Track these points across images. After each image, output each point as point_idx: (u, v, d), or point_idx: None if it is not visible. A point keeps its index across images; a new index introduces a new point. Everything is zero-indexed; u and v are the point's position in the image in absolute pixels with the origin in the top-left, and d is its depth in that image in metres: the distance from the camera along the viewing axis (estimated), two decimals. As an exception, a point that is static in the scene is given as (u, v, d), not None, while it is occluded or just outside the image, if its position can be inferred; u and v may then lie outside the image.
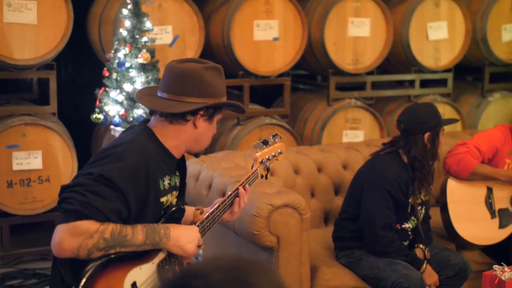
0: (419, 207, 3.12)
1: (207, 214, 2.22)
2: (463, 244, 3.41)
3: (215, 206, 2.25)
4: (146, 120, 2.21)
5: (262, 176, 2.46)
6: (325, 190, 3.75)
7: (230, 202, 2.29)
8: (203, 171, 3.46)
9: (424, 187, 3.09)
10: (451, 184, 3.41)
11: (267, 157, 2.44)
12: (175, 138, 2.14)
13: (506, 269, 2.46)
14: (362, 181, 3.11)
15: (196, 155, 2.28)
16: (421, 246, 3.11)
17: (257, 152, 2.41)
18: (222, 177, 3.29)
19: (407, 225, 3.11)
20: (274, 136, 2.51)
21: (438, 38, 4.98)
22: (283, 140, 4.56)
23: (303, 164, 3.74)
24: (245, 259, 0.98)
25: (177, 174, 2.22)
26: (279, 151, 2.51)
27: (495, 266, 2.46)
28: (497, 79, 5.55)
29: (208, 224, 2.21)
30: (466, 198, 3.40)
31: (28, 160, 3.96)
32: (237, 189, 2.30)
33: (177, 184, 2.21)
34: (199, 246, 2.13)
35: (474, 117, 5.32)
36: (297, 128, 4.97)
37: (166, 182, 2.12)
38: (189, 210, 2.29)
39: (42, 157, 4.00)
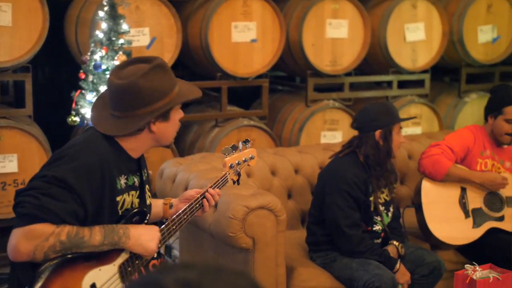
0: (383, 207, 3.14)
1: (173, 217, 2.21)
2: (438, 244, 3.44)
3: (182, 210, 2.25)
4: None
5: (234, 182, 2.46)
6: (302, 191, 3.77)
7: (197, 205, 2.29)
8: (179, 173, 3.46)
9: (384, 185, 3.13)
10: (426, 185, 3.44)
11: (236, 162, 2.45)
12: (133, 143, 2.16)
13: (477, 268, 2.49)
14: (323, 185, 3.16)
15: (167, 146, 2.29)
16: (394, 242, 3.13)
17: (226, 157, 2.41)
18: (198, 179, 3.29)
19: (376, 227, 3.13)
20: (245, 141, 2.51)
21: (416, 40, 5.01)
22: (262, 141, 4.62)
23: (280, 165, 3.75)
24: (211, 269, 0.96)
25: (136, 174, 2.21)
26: (250, 156, 2.52)
27: (467, 266, 2.49)
28: (473, 80, 5.60)
29: (174, 227, 2.20)
30: (441, 198, 3.43)
31: (3, 164, 3.93)
32: (205, 192, 2.31)
33: (136, 183, 2.20)
34: (159, 247, 2.13)
35: (451, 118, 5.36)
36: (275, 130, 4.98)
37: (123, 181, 2.13)
38: (158, 205, 2.30)
39: (18, 160, 3.97)
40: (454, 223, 3.41)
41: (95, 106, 2.22)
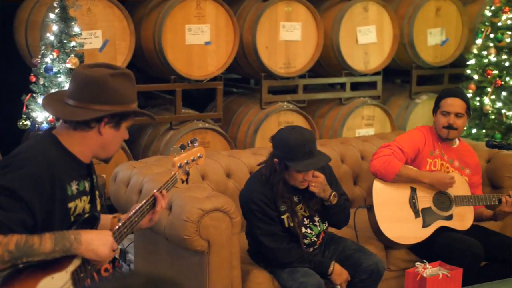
0: (307, 220, 3.12)
1: (124, 220, 2.20)
2: (389, 244, 3.51)
3: (132, 212, 2.24)
4: (52, 128, 2.20)
5: (182, 181, 2.47)
6: (257, 193, 3.78)
7: (148, 207, 2.29)
8: (133, 177, 3.43)
9: (297, 203, 3.09)
10: (377, 186, 3.50)
11: (185, 161, 2.46)
12: (80, 144, 2.14)
13: (427, 266, 2.55)
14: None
15: (105, 161, 2.26)
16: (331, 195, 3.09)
17: (174, 156, 2.42)
18: (152, 182, 3.27)
19: (306, 241, 3.13)
20: (193, 141, 2.52)
21: (367, 42, 5.10)
22: (216, 144, 4.62)
23: (235, 167, 3.76)
24: (156, 281, 0.96)
25: (87, 179, 2.20)
26: (198, 155, 2.53)
27: (417, 264, 2.54)
28: (424, 82, 5.73)
29: (125, 230, 2.19)
30: (392, 199, 3.49)
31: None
32: (154, 194, 2.31)
33: (87, 189, 2.18)
34: (113, 250, 2.11)
35: (403, 119, 5.47)
36: (230, 132, 4.99)
37: (74, 187, 2.11)
38: (107, 219, 2.28)
39: (-33, 165, 3.87)
40: (405, 223, 3.47)
41: (50, 95, 2.21)
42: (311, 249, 3.15)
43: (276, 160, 3.02)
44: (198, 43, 4.50)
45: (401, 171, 3.44)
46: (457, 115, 3.56)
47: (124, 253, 4.01)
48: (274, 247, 3.04)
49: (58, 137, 2.12)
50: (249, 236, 3.21)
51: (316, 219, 3.16)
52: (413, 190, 3.51)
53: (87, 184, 2.19)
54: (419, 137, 3.60)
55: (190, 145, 2.50)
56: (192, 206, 2.96)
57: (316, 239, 3.16)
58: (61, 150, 2.10)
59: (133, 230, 2.28)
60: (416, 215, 3.48)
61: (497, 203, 3.52)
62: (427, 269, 2.53)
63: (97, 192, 2.24)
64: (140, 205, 2.27)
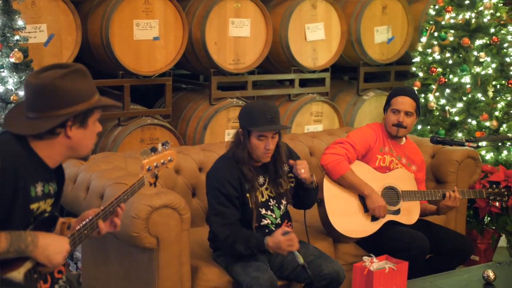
0: (273, 201, 3.16)
1: (80, 226, 2.15)
2: (339, 238, 3.56)
3: (88, 219, 2.19)
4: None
5: (150, 184, 2.42)
6: (206, 190, 3.78)
7: (112, 209, 2.23)
8: (80, 173, 3.38)
9: (263, 183, 3.13)
10: (328, 180, 3.55)
11: (155, 164, 2.39)
12: (48, 150, 2.10)
13: (374, 260, 2.59)
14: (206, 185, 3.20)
15: (84, 159, 2.22)
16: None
17: (144, 159, 2.37)
18: (100, 179, 3.23)
19: (266, 222, 3.16)
20: (164, 143, 2.46)
21: (316, 39, 5.15)
22: (165, 140, 4.57)
23: (184, 164, 3.75)
24: None
25: (53, 182, 2.16)
26: (169, 158, 2.48)
27: (365, 258, 2.59)
28: (371, 79, 5.83)
29: (86, 232, 2.14)
30: (342, 193, 3.54)
31: None
32: (115, 204, 2.25)
33: (51, 191, 2.14)
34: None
35: (351, 115, 5.55)
36: (179, 128, 4.96)
37: (39, 188, 2.07)
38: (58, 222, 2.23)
39: None
40: (354, 216, 3.53)
41: (10, 111, 2.16)
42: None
43: (240, 130, 3.09)
44: (146, 38, 4.46)
45: (347, 175, 3.49)
46: (406, 113, 3.64)
47: (72, 251, 3.94)
48: (218, 230, 3.03)
49: (28, 139, 2.08)
50: (208, 221, 3.19)
51: (283, 201, 3.20)
52: (360, 179, 3.56)
53: (51, 188, 2.14)
54: (370, 134, 3.66)
55: (161, 148, 2.45)
56: (140, 203, 2.93)
57: (280, 222, 3.17)
58: (28, 152, 2.06)
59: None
60: (366, 209, 3.54)
61: (441, 198, 3.62)
62: (374, 263, 2.58)
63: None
64: (104, 207, 2.21)
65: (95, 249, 3.42)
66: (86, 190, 3.30)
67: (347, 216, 3.52)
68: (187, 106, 5.03)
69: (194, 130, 4.86)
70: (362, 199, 3.55)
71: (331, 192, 3.53)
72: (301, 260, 2.87)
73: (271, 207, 3.17)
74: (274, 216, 3.17)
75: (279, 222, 3.17)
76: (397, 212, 3.59)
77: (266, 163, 3.13)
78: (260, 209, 3.14)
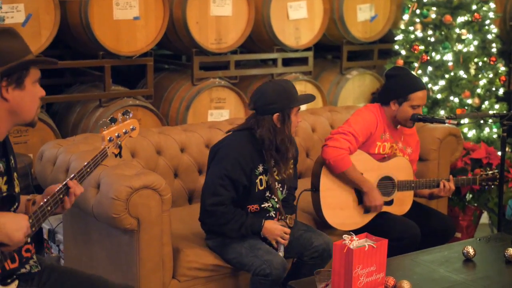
0: (279, 185, 3.16)
1: (43, 202, 2.12)
2: (328, 227, 3.51)
3: (51, 195, 2.16)
4: None
5: (115, 155, 2.40)
6: (188, 170, 3.77)
7: (61, 196, 2.16)
8: (60, 155, 3.35)
9: (279, 167, 3.10)
10: (325, 172, 3.46)
11: (116, 134, 2.37)
12: None
13: (354, 238, 2.59)
14: (212, 158, 3.14)
15: (30, 125, 2.16)
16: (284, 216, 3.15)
17: (104, 130, 2.35)
18: (80, 160, 3.20)
19: (266, 204, 3.14)
20: (125, 113, 2.44)
21: (298, 18, 5.11)
22: (148, 121, 4.56)
23: (166, 144, 3.73)
24: None
25: (2, 159, 2.11)
26: (131, 127, 2.46)
27: (345, 236, 2.58)
28: (354, 57, 5.82)
29: (49, 208, 2.09)
30: (338, 185, 3.47)
31: None
32: (77, 177, 2.20)
33: (1, 169, 2.10)
34: (28, 236, 2.05)
35: (335, 94, 5.54)
36: (162, 109, 4.93)
37: None
38: (21, 202, 2.20)
39: None
40: (347, 210, 3.49)
41: None
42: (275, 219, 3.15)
43: (277, 114, 3.03)
44: (126, 18, 4.41)
45: (348, 171, 3.41)
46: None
47: (53, 233, 3.93)
48: (209, 209, 3.01)
49: None
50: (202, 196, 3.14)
51: (285, 185, 3.19)
52: (361, 175, 3.49)
53: (1, 164, 2.10)
54: (372, 120, 3.53)
55: (121, 117, 2.42)
56: (120, 184, 2.92)
57: (278, 206, 3.15)
58: None
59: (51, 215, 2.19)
60: (360, 201, 3.50)
61: (436, 187, 3.61)
62: (354, 241, 2.57)
63: (15, 174, 2.16)
64: (53, 193, 2.17)
65: (75, 231, 3.41)
66: (65, 172, 3.27)
67: (340, 210, 3.47)
68: (170, 87, 5.00)
69: (176, 110, 4.83)
70: (358, 190, 3.52)
71: (327, 185, 3.46)
72: (281, 254, 3.04)
73: (275, 190, 3.13)
74: (276, 199, 3.15)
75: (279, 206, 3.16)
76: (390, 203, 3.54)
77: (284, 146, 3.07)
78: (266, 191, 3.12)
